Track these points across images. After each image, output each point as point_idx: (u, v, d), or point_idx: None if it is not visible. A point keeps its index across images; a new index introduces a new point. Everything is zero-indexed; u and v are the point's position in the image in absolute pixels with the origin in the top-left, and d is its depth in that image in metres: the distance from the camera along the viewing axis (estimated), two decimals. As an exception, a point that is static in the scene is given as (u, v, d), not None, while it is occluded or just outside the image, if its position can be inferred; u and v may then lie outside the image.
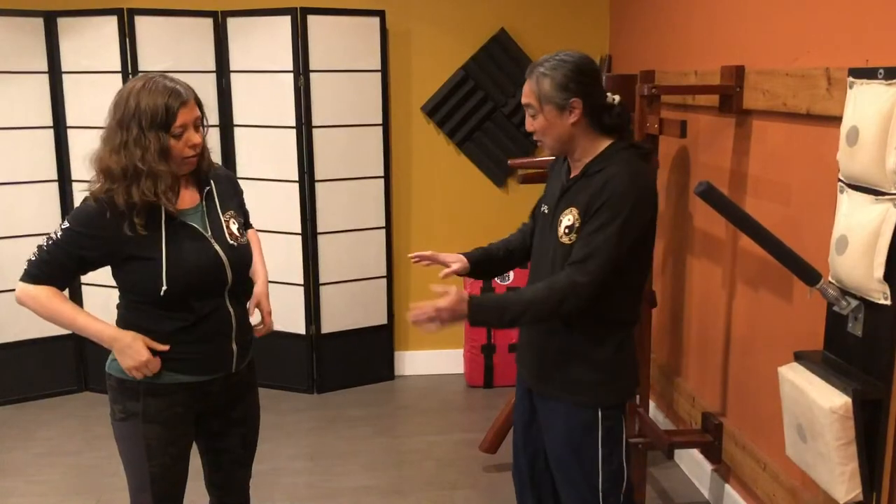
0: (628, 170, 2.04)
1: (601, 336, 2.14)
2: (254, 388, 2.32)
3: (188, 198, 2.11)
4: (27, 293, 2.04)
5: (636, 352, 2.27)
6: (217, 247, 2.09)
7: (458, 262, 2.33)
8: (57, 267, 2.04)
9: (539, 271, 2.21)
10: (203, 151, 2.10)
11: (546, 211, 2.22)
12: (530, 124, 2.12)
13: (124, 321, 2.13)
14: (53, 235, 2.03)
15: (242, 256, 2.16)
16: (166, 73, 2.05)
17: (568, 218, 2.09)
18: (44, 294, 2.04)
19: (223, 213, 2.14)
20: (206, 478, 2.35)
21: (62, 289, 2.08)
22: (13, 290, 2.10)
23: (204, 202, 2.13)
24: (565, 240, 2.08)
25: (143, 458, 2.11)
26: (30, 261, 2.05)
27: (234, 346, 2.16)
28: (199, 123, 2.05)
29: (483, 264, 2.38)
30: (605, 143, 2.11)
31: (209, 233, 2.09)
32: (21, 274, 2.05)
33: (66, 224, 2.03)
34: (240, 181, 2.16)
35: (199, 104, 2.05)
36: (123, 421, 2.12)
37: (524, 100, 2.10)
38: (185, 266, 2.02)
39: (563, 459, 2.20)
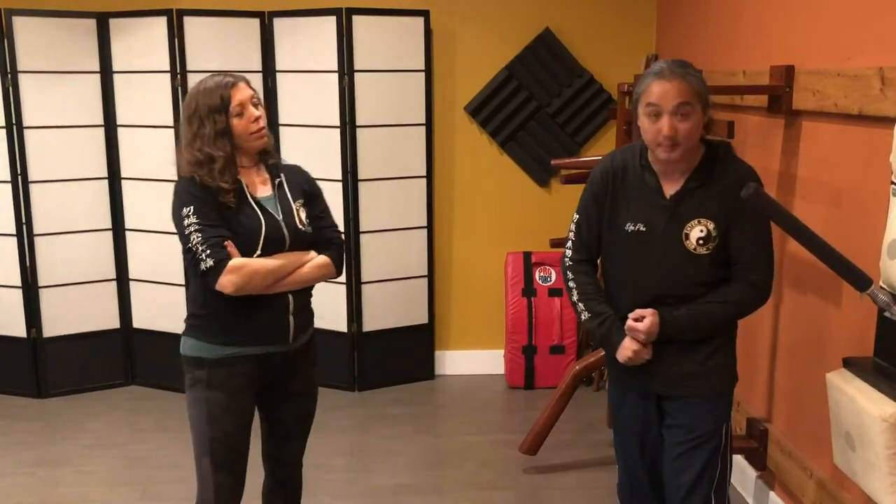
0: (749, 169, 2.20)
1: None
2: (311, 364, 2.45)
3: (263, 187, 2.33)
4: (238, 273, 2.13)
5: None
6: (285, 228, 2.28)
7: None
8: (223, 233, 2.16)
9: (656, 289, 2.22)
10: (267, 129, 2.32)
11: (644, 228, 2.21)
12: (672, 126, 2.07)
13: (196, 296, 2.30)
14: (189, 223, 2.15)
15: (304, 240, 2.32)
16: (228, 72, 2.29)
17: (700, 230, 2.16)
18: (243, 260, 2.16)
19: (294, 202, 2.34)
20: (262, 449, 2.47)
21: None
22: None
23: (276, 191, 2.33)
24: (702, 251, 2.16)
25: (204, 423, 2.25)
26: (203, 260, 2.12)
27: (291, 319, 2.29)
28: (257, 101, 2.27)
29: None
30: (700, 150, 2.20)
31: (280, 216, 2.29)
32: (208, 276, 2.13)
33: (185, 204, 2.16)
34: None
35: (251, 86, 2.27)
36: (192, 388, 2.28)
37: (682, 98, 2.07)
38: (254, 238, 2.21)
39: (698, 451, 2.25)
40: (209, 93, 2.19)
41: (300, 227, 2.31)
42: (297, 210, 2.33)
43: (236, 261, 2.14)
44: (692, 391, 2.26)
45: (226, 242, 2.15)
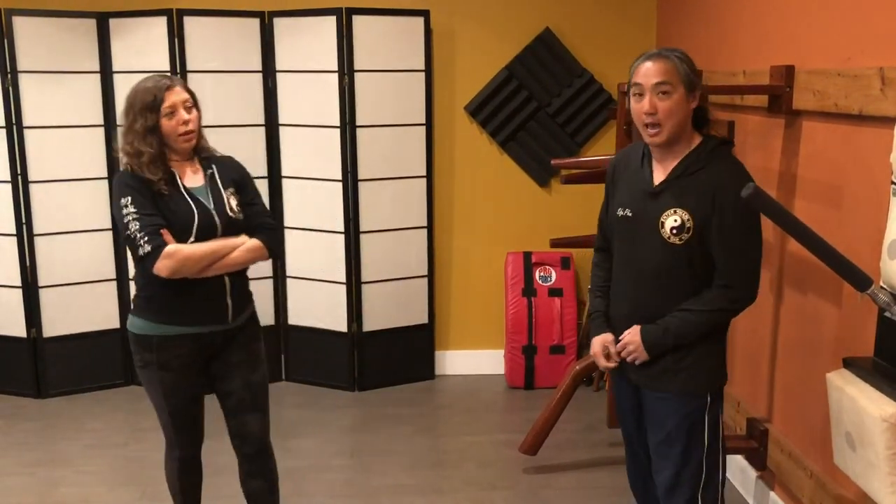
0: (740, 170, 2.19)
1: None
2: (256, 340, 2.59)
3: (194, 176, 2.48)
4: (172, 258, 2.29)
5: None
6: (216, 216, 2.43)
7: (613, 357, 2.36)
8: (159, 222, 2.31)
9: (639, 276, 2.25)
10: (199, 132, 2.47)
11: (630, 214, 2.25)
12: (653, 105, 2.12)
13: (138, 279, 2.47)
14: (128, 213, 2.30)
15: (236, 226, 2.47)
16: (167, 73, 2.37)
17: (674, 219, 2.15)
18: (177, 246, 2.32)
19: (224, 190, 2.49)
20: (228, 431, 2.60)
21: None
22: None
23: (208, 181, 2.48)
24: (675, 240, 2.15)
25: (160, 398, 2.50)
26: (141, 246, 2.29)
27: (229, 301, 2.47)
28: (190, 105, 2.41)
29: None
30: (696, 139, 2.21)
31: (212, 205, 2.44)
32: (146, 260, 2.30)
33: (123, 195, 2.34)
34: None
35: (189, 91, 2.43)
36: (143, 368, 2.49)
37: (660, 77, 2.12)
38: (187, 225, 2.37)
39: (671, 449, 2.27)
40: (146, 91, 2.35)
41: (231, 214, 2.46)
42: (228, 198, 2.48)
43: (171, 247, 2.31)
44: (665, 387, 2.27)
45: (162, 230, 2.31)
